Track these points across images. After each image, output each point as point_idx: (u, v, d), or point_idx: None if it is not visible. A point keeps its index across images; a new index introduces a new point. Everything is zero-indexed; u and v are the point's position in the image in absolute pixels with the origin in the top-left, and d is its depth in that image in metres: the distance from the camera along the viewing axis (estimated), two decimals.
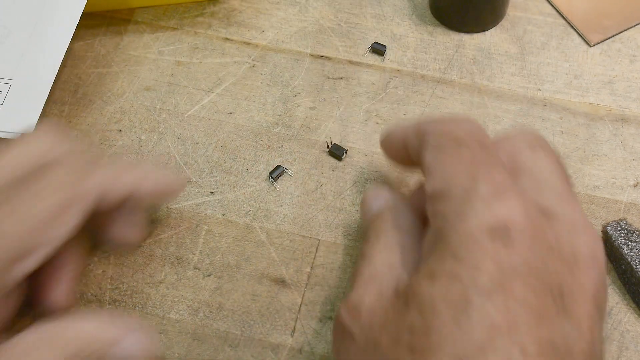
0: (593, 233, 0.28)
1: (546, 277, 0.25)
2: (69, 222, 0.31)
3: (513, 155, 0.31)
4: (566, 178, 0.30)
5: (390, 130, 0.34)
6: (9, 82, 0.37)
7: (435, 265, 0.26)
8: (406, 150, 0.32)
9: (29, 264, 0.30)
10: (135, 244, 0.37)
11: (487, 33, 0.44)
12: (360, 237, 0.37)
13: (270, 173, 0.39)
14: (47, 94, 0.37)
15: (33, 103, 0.37)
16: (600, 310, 0.26)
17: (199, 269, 0.36)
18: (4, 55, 0.38)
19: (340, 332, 0.29)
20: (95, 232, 0.35)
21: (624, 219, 0.36)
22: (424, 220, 0.30)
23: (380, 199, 0.33)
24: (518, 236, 0.25)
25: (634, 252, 0.35)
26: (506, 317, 0.24)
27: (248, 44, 0.44)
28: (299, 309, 0.35)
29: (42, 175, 0.31)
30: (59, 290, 0.33)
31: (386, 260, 0.29)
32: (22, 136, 0.32)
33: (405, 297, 0.26)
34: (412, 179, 0.39)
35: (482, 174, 0.27)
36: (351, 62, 0.43)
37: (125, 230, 0.36)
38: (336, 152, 0.39)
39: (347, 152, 0.40)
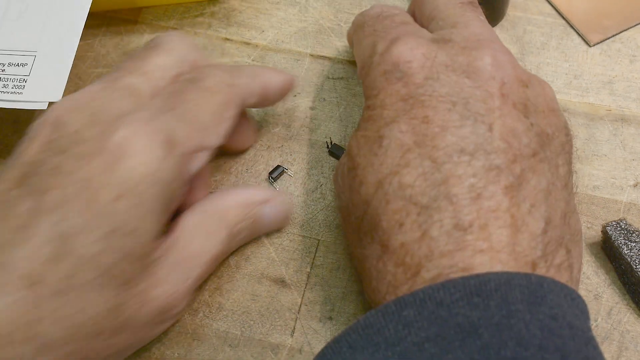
0: (493, 43, 0.31)
1: (444, 93, 0.28)
2: (228, 120, 0.33)
3: (420, 3, 0.35)
4: (462, 1, 0.34)
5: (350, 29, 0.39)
6: (34, 54, 0.38)
7: (360, 119, 0.31)
8: None
9: (203, 159, 0.33)
10: (246, 149, 0.40)
11: None
12: None
13: (270, 173, 0.39)
14: (71, 62, 0.38)
15: (58, 72, 0.38)
16: (517, 105, 0.28)
17: None
18: (26, 28, 0.39)
19: (335, 192, 0.35)
20: None
21: (624, 219, 0.36)
22: None
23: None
24: (409, 69, 0.29)
25: (634, 252, 0.35)
26: (412, 137, 0.28)
27: (248, 44, 0.44)
28: (299, 309, 0.35)
29: (201, 75, 0.33)
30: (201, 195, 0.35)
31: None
32: (159, 40, 0.35)
33: (348, 147, 0.31)
34: None
35: (379, 38, 0.32)
36: (351, 62, 0.43)
37: (239, 134, 0.38)
38: (336, 152, 0.39)
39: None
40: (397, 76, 0.29)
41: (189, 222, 0.32)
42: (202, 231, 0.32)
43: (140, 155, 0.29)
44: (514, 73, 0.29)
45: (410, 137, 0.28)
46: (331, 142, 0.40)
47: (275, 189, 0.39)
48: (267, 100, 0.37)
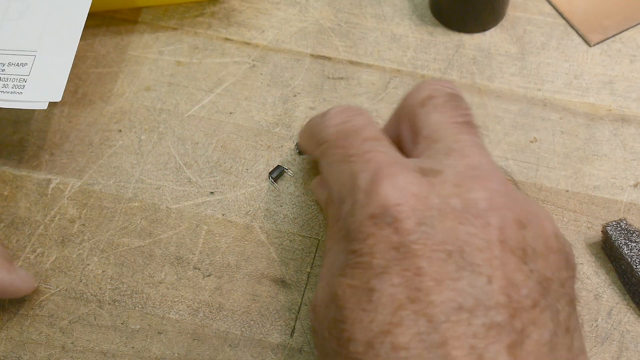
0: (488, 179, 0.28)
1: (439, 241, 0.26)
2: None
3: (410, 118, 0.32)
4: (459, 122, 0.30)
5: (303, 133, 0.36)
6: (33, 54, 0.38)
7: (344, 261, 0.27)
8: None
9: None
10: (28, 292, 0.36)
11: (487, 33, 0.44)
12: None
13: (270, 173, 0.39)
14: (71, 63, 0.38)
15: (58, 72, 0.38)
16: (516, 251, 0.26)
17: (199, 269, 0.36)
18: (26, 28, 0.39)
19: (312, 329, 0.30)
20: None
21: (624, 219, 0.36)
22: None
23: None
24: (399, 213, 0.26)
25: (634, 252, 0.35)
26: (405, 291, 0.25)
27: (248, 44, 0.44)
28: (299, 309, 0.35)
29: None
30: None
31: (330, 258, 0.30)
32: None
33: (331, 294, 0.27)
34: None
35: (357, 167, 0.29)
36: (351, 62, 0.43)
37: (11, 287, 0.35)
38: None
39: None
40: (387, 221, 0.26)
41: None
42: None
43: None
44: (512, 215, 0.27)
45: (403, 292, 0.25)
46: None
47: (275, 189, 0.39)
48: None
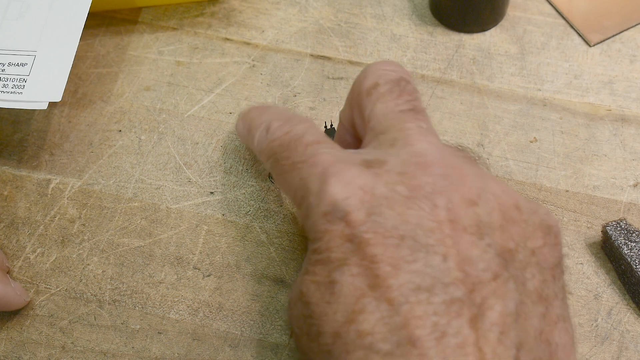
0: (431, 165, 0.28)
1: (390, 227, 0.26)
2: None
3: (359, 106, 0.32)
4: (403, 109, 0.31)
5: (240, 120, 0.36)
6: (33, 54, 0.38)
7: (307, 262, 0.28)
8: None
9: None
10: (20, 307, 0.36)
11: (487, 33, 0.44)
12: None
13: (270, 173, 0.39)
14: (71, 63, 0.38)
15: (58, 72, 0.38)
16: (469, 228, 0.27)
17: (199, 269, 0.36)
18: (26, 28, 0.39)
19: (290, 331, 0.31)
20: None
21: (624, 219, 0.36)
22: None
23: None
24: (348, 206, 0.27)
25: (634, 252, 0.35)
26: (364, 280, 0.26)
27: (248, 44, 0.44)
28: None
29: None
30: None
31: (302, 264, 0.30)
32: None
33: (298, 293, 0.28)
34: None
35: (306, 174, 0.29)
36: (351, 62, 0.43)
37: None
38: (331, 134, 0.40)
39: None
40: (338, 216, 0.27)
41: None
42: None
43: None
44: (459, 195, 0.27)
45: (362, 280, 0.26)
46: (331, 125, 0.41)
47: (275, 189, 0.39)
48: None
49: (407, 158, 0.28)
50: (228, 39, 0.45)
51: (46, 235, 0.38)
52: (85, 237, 0.38)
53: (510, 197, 0.28)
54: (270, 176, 0.39)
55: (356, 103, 0.33)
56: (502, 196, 0.28)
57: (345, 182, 0.28)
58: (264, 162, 0.33)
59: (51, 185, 0.39)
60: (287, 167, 0.31)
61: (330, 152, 0.30)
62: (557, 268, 0.28)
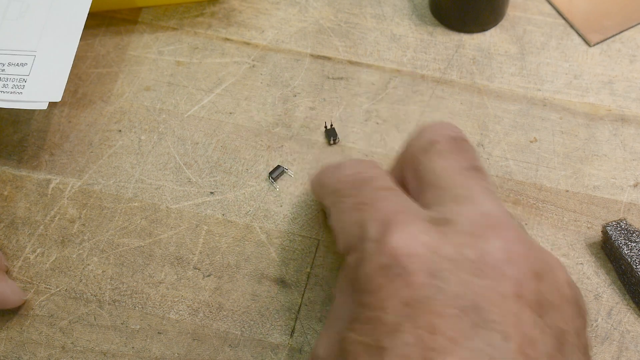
0: (503, 227, 0.26)
1: (452, 296, 0.24)
2: None
3: (414, 166, 0.31)
4: (465, 167, 0.29)
5: (315, 182, 0.34)
6: (33, 54, 0.38)
7: (353, 314, 0.26)
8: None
9: None
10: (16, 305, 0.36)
11: (487, 33, 0.44)
12: None
13: (270, 173, 0.39)
14: (71, 63, 0.38)
15: (58, 72, 0.38)
16: (533, 305, 0.25)
17: (199, 269, 0.36)
18: (26, 28, 0.39)
19: None
20: None
21: (624, 219, 0.36)
22: None
23: None
24: (410, 264, 0.25)
25: (634, 252, 0.35)
26: (419, 351, 0.24)
27: (248, 44, 0.44)
28: (299, 309, 0.35)
29: None
30: None
31: (337, 308, 0.28)
32: None
33: (340, 349, 0.26)
34: None
35: (368, 216, 0.27)
36: (351, 62, 0.43)
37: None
38: (330, 134, 0.40)
39: (344, 149, 0.40)
40: (396, 272, 0.25)
41: None
42: None
43: None
44: (529, 266, 0.25)
45: (416, 352, 0.23)
46: (331, 125, 0.41)
47: (275, 189, 0.39)
48: None
49: (477, 219, 0.26)
50: (228, 39, 0.45)
51: (46, 235, 0.38)
52: (85, 237, 0.38)
53: (564, 272, 0.27)
54: (270, 176, 0.39)
55: (410, 162, 0.31)
56: (558, 272, 0.27)
57: (410, 236, 0.26)
58: (324, 198, 0.32)
59: (51, 185, 0.39)
60: (349, 206, 0.29)
61: (398, 201, 0.28)
62: (589, 348, 0.27)
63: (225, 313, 0.35)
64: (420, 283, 0.25)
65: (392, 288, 0.25)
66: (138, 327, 0.35)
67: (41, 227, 0.38)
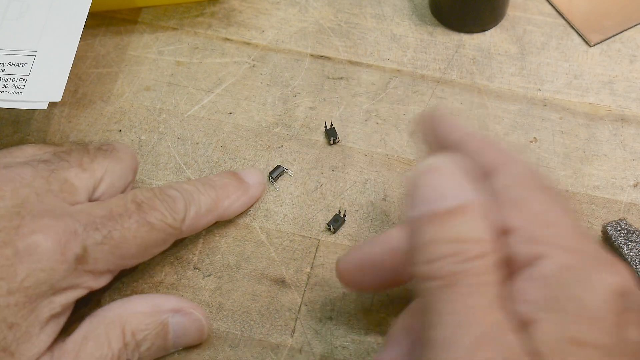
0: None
1: None
2: (150, 256, 0.34)
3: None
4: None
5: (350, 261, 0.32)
6: (33, 54, 0.38)
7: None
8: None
9: (108, 279, 0.32)
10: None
11: (487, 33, 0.45)
12: (359, 236, 0.37)
13: (270, 173, 0.39)
14: (71, 63, 0.38)
15: (58, 72, 0.38)
16: None
17: (199, 269, 0.36)
18: (26, 28, 0.39)
19: None
20: None
21: (624, 219, 0.36)
22: None
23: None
24: None
25: (634, 252, 0.35)
26: None
27: (248, 44, 0.44)
28: (299, 309, 0.35)
29: (146, 207, 0.32)
30: None
31: None
32: (113, 146, 0.34)
33: None
34: None
35: (464, 324, 0.23)
36: (351, 62, 0.43)
37: None
38: (330, 134, 0.40)
39: (344, 149, 0.40)
40: None
41: (83, 328, 0.31)
42: (93, 339, 0.30)
43: (44, 263, 0.29)
44: None
45: None
46: (331, 125, 0.41)
47: (275, 189, 0.39)
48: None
49: None
50: (228, 39, 0.45)
51: None
52: None
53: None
54: (270, 176, 0.39)
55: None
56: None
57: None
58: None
59: None
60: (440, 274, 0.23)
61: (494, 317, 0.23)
62: None
63: (225, 313, 0.35)
64: None
65: None
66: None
67: None
